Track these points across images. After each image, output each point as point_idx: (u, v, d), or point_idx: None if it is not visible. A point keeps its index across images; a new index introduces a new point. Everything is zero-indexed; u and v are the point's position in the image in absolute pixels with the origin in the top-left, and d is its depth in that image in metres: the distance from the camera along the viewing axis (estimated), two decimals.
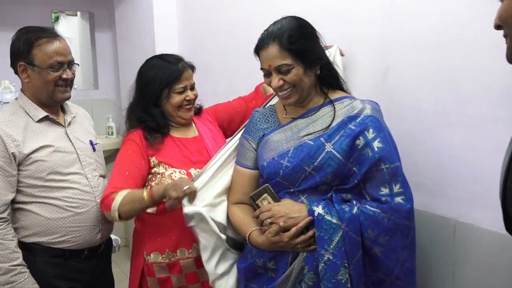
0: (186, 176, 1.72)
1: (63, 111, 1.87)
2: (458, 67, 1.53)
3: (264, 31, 1.48)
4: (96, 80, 4.19)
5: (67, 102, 1.89)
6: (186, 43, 3.12)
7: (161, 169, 1.74)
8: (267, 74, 1.48)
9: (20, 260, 1.66)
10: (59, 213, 1.70)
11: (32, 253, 1.71)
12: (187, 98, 1.78)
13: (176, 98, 1.77)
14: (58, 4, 4.00)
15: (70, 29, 4.25)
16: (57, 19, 4.34)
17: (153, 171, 1.76)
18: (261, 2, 2.39)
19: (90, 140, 1.88)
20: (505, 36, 0.99)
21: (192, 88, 1.82)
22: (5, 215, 1.66)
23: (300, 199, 1.47)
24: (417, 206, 1.47)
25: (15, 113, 1.73)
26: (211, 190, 1.59)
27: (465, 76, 1.51)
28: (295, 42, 1.43)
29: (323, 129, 1.47)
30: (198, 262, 1.70)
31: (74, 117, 1.89)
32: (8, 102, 2.74)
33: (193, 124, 1.92)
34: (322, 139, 1.45)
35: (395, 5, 1.70)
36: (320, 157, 1.43)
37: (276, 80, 1.44)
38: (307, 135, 1.48)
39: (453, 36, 1.52)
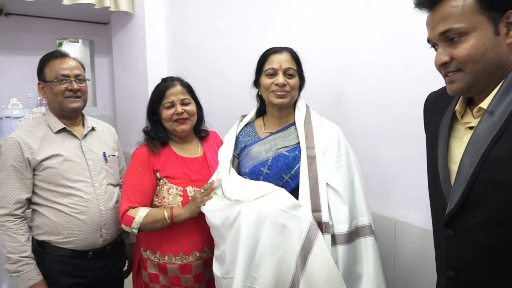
0: (181, 193, 1.67)
1: (84, 125, 1.86)
2: (397, 94, 1.57)
3: (272, 47, 1.56)
4: (95, 98, 4.21)
5: (88, 117, 1.89)
6: (174, 68, 3.12)
7: (161, 183, 1.69)
8: (272, 74, 1.51)
9: (28, 253, 1.67)
10: (63, 217, 1.68)
11: (44, 249, 1.71)
12: (176, 112, 1.69)
13: (165, 113, 1.70)
14: (62, 32, 4.00)
15: (72, 54, 4.21)
16: (60, 45, 4.33)
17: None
18: (239, 34, 2.42)
19: (104, 152, 1.84)
20: (454, 71, 0.95)
21: (184, 103, 1.72)
22: (19, 212, 1.67)
23: None
24: None
25: (38, 125, 1.75)
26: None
27: (403, 100, 1.55)
28: (299, 58, 1.55)
29: (297, 143, 1.50)
30: (182, 269, 1.68)
31: (92, 130, 1.86)
32: (17, 117, 2.74)
33: (199, 144, 1.83)
34: (297, 152, 1.48)
35: (348, 41, 1.75)
36: (296, 166, 1.46)
37: (282, 79, 1.48)
38: (284, 147, 1.51)
39: (393, 67, 1.57)
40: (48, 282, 1.69)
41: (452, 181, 0.98)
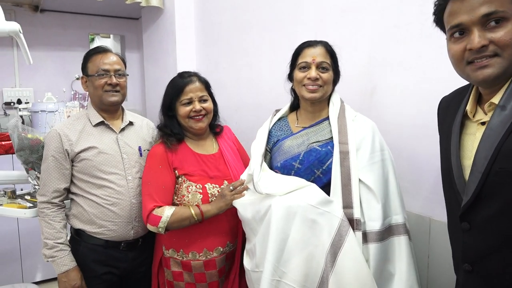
0: (200, 190, 1.66)
1: (123, 119, 1.89)
2: (435, 88, 1.50)
3: (307, 40, 1.54)
4: None
5: (128, 112, 1.92)
6: (203, 62, 3.13)
7: (179, 181, 1.68)
8: (305, 68, 1.49)
9: (63, 239, 1.73)
10: (96, 208, 1.73)
11: (80, 238, 1.78)
12: (194, 109, 1.67)
13: (182, 109, 1.68)
14: (94, 28, 4.05)
15: None
16: (92, 40, 4.38)
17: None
18: (270, 28, 2.40)
19: (139, 147, 1.86)
20: (490, 56, 0.94)
21: (202, 100, 1.70)
22: (56, 200, 1.74)
23: None
24: None
25: (79, 119, 1.81)
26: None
27: (440, 95, 1.45)
28: (335, 53, 1.52)
29: (330, 138, 1.48)
30: (207, 265, 1.67)
31: (130, 125, 1.88)
32: (51, 111, 2.79)
33: (214, 140, 1.82)
34: (329, 146, 1.46)
35: (381, 34, 1.71)
36: (328, 162, 1.44)
37: (314, 73, 1.46)
38: (316, 142, 1.49)
39: (430, 61, 1.52)
40: (82, 270, 1.76)
41: (466, 176, 1.01)
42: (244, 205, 1.52)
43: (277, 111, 1.70)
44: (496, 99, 0.97)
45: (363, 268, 1.28)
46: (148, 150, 1.88)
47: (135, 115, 1.98)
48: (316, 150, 1.47)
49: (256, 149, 1.59)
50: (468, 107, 1.06)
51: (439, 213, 1.55)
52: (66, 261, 1.71)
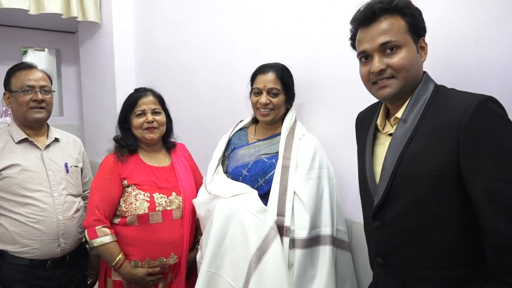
0: (148, 198, 1.72)
1: (48, 136, 1.87)
2: (352, 103, 1.61)
3: (262, 64, 1.71)
4: (61, 108, 4.15)
5: (53, 128, 1.88)
6: (142, 77, 3.13)
7: (129, 189, 1.74)
8: (258, 93, 1.66)
9: None
10: (20, 227, 1.69)
11: (2, 259, 1.72)
12: (147, 120, 1.77)
13: (136, 121, 1.78)
14: (28, 41, 3.96)
15: (38, 62, 4.16)
16: (25, 53, 4.27)
17: (123, 189, 1.77)
18: (207, 46, 2.48)
19: (65, 163, 1.84)
20: (388, 78, 1.11)
21: (155, 113, 1.80)
22: None
23: None
24: None
25: (0, 136, 1.77)
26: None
27: (360, 109, 1.57)
28: (286, 77, 1.67)
29: (276, 152, 1.64)
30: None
31: (56, 141, 1.87)
32: None
33: (167, 154, 1.91)
34: (273, 160, 1.62)
35: (306, 55, 1.84)
36: (271, 173, 1.60)
37: (264, 98, 1.63)
38: (265, 154, 1.65)
39: (348, 79, 1.65)
40: None
41: (377, 180, 1.16)
42: (199, 204, 1.69)
43: (241, 121, 1.86)
44: (399, 114, 1.15)
45: (283, 273, 1.44)
46: (75, 166, 1.89)
47: (61, 131, 1.96)
48: (263, 161, 1.64)
49: (215, 154, 1.77)
50: (378, 121, 1.25)
51: (359, 215, 1.68)
52: None
